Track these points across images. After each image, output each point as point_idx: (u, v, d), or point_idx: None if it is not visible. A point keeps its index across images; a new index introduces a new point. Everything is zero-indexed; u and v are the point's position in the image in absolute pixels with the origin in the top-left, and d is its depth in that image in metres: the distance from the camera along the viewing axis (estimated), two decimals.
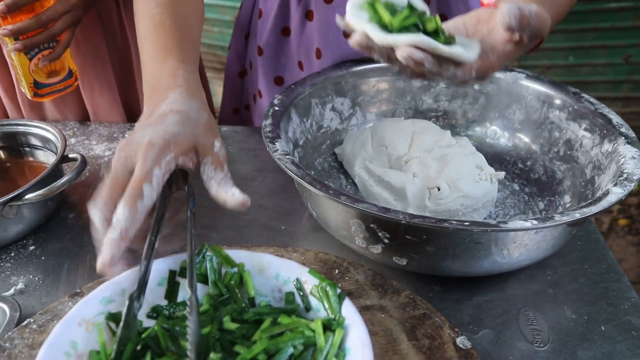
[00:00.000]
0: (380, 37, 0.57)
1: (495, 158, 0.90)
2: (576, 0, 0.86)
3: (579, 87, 2.76)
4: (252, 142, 0.99)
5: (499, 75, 0.91)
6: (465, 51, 0.59)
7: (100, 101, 1.09)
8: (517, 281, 0.68)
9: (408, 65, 0.57)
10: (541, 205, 0.82)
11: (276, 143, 0.69)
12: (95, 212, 0.49)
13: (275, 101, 0.79)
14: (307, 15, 0.96)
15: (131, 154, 0.53)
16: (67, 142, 1.00)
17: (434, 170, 0.76)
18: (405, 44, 0.56)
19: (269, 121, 0.74)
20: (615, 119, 0.77)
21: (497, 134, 0.92)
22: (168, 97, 0.59)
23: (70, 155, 0.82)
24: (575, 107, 0.83)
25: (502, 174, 0.78)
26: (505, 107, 0.91)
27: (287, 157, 0.66)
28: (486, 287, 0.67)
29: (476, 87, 0.93)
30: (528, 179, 0.86)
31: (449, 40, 0.59)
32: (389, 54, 0.60)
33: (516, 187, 0.86)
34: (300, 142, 0.83)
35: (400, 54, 0.56)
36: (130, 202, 0.48)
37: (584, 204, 0.61)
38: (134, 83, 1.12)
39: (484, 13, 0.66)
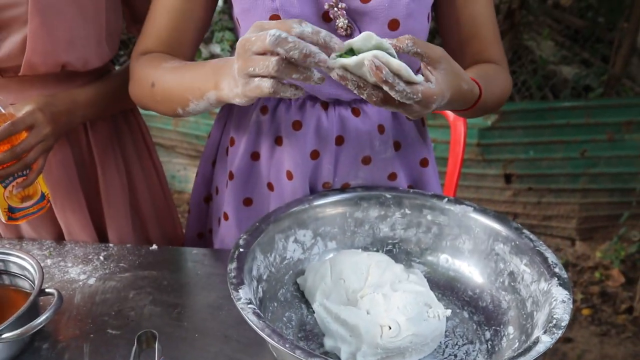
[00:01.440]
0: (351, 60, 0.74)
1: (447, 285, 0.97)
2: (508, 90, 1.04)
3: (540, 180, 2.89)
4: (219, 266, 1.05)
5: (449, 207, 0.99)
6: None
7: (72, 221, 1.15)
8: None
9: (372, 73, 0.72)
10: (487, 334, 0.88)
11: (240, 290, 0.75)
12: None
13: (241, 241, 0.86)
14: (277, 140, 1.04)
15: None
16: (43, 264, 1.05)
17: (386, 308, 0.82)
18: (368, 57, 0.73)
19: (234, 265, 0.80)
20: (551, 257, 0.85)
21: (449, 262, 0.99)
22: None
23: (47, 290, 0.87)
24: (517, 242, 0.91)
25: (448, 312, 0.84)
26: (456, 237, 0.99)
27: (249, 306, 0.72)
28: None
29: (429, 217, 1.01)
30: (477, 306, 0.93)
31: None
32: (359, 83, 0.76)
33: (465, 315, 0.92)
34: (264, 277, 0.89)
35: (367, 63, 0.72)
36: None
37: (514, 354, 0.67)
38: (101, 205, 1.17)
39: None
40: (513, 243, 0.91)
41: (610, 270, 2.68)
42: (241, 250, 0.84)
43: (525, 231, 0.91)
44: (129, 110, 1.21)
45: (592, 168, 2.66)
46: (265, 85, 0.75)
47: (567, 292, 0.78)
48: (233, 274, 0.78)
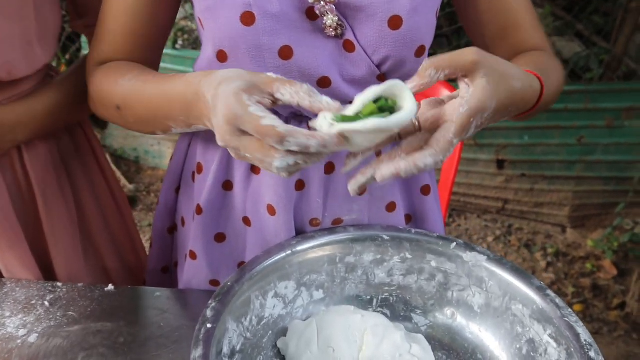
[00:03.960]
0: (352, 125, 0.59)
1: (451, 345, 0.83)
2: (563, 78, 0.87)
3: (534, 166, 2.75)
4: (186, 315, 0.89)
5: (458, 253, 0.84)
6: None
7: (9, 257, 0.97)
8: None
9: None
10: None
11: None
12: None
13: (208, 313, 0.70)
14: (253, 167, 0.88)
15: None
16: None
17: None
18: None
19: (199, 351, 0.64)
20: (584, 335, 0.71)
21: (454, 317, 0.85)
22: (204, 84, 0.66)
23: None
24: (540, 306, 0.76)
25: None
26: (464, 289, 0.85)
27: None
28: None
29: (433, 264, 0.86)
30: None
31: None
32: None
33: None
34: (238, 347, 0.74)
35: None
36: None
37: None
38: (43, 235, 1.00)
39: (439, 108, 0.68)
40: (535, 307, 0.77)
41: (602, 261, 2.58)
42: (209, 326, 0.68)
43: (551, 293, 0.76)
44: (75, 124, 1.02)
45: (589, 155, 2.53)
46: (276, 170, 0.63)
47: None
48: None
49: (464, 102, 0.63)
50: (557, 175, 2.60)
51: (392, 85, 0.61)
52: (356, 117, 0.60)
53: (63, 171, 0.99)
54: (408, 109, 0.59)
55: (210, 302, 0.71)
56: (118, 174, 3.12)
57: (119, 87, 0.78)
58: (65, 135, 1.00)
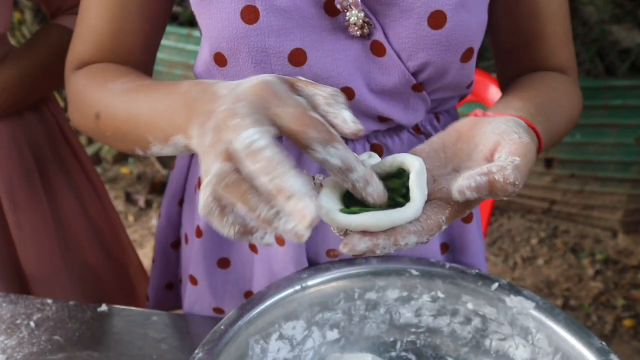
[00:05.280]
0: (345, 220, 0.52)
1: None
2: (572, 125, 0.78)
3: (586, 167, 2.53)
4: (186, 347, 0.78)
5: (501, 296, 0.71)
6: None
7: None
8: None
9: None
10: None
11: None
12: None
13: None
14: None
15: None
16: None
17: None
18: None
19: None
20: None
21: None
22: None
23: None
24: None
25: None
26: (505, 339, 0.71)
27: None
28: None
29: (470, 306, 0.73)
30: None
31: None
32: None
33: None
34: None
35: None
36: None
37: None
38: (8, 228, 0.89)
39: (466, 126, 0.59)
40: None
41: None
42: None
43: (615, 358, 0.62)
44: (40, 101, 0.91)
45: None
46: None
47: None
48: None
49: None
50: (610, 177, 2.40)
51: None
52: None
53: (30, 156, 0.88)
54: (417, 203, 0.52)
55: (197, 352, 0.60)
56: (152, 158, 3.05)
57: (106, 92, 0.65)
58: (30, 114, 0.89)
